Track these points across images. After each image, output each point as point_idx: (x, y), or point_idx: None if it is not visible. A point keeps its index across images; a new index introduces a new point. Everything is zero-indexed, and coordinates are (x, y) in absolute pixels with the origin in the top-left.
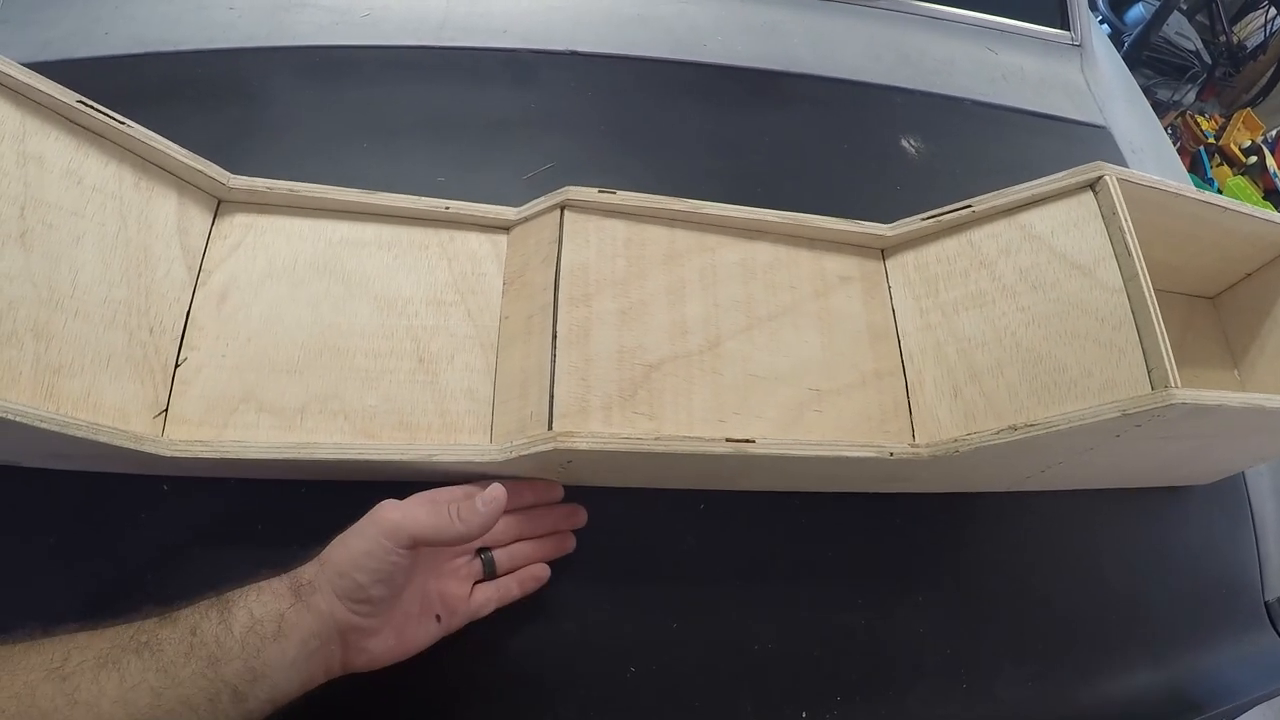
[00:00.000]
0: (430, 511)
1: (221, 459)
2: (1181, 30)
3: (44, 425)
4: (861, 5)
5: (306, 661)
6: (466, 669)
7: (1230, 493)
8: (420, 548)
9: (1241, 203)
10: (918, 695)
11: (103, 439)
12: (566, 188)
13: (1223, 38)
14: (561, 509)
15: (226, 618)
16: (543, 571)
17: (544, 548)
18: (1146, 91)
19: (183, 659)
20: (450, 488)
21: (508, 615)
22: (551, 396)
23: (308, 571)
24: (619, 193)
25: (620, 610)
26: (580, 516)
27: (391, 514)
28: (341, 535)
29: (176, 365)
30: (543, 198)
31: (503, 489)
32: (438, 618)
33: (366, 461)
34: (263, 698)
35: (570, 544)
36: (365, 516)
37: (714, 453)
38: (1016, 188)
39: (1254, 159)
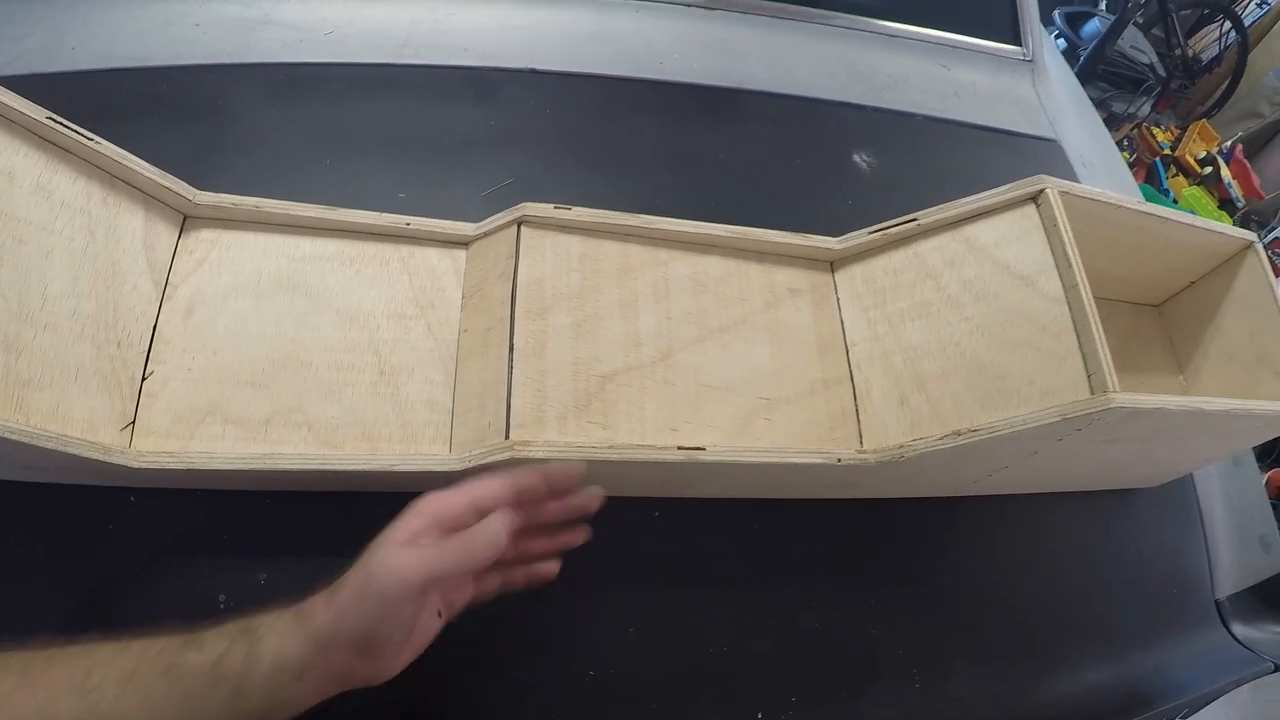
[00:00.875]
0: (439, 554)
1: (188, 470)
2: (1136, 44)
3: (13, 437)
4: (816, 23)
5: (324, 690)
6: (426, 675)
7: (1180, 494)
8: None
9: (1182, 213)
10: (873, 695)
11: (71, 450)
12: (523, 204)
13: (1178, 51)
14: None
15: (252, 654)
16: (551, 568)
17: (554, 540)
18: (1102, 104)
19: (207, 688)
20: (450, 498)
21: (466, 621)
22: (509, 407)
23: (324, 627)
24: (574, 209)
25: (578, 615)
26: (593, 502)
27: (402, 567)
28: (350, 590)
29: (143, 378)
30: (500, 214)
31: (506, 521)
32: (439, 613)
33: (330, 471)
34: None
35: (581, 536)
36: (371, 567)
37: (666, 460)
38: (961, 201)
39: (1209, 169)
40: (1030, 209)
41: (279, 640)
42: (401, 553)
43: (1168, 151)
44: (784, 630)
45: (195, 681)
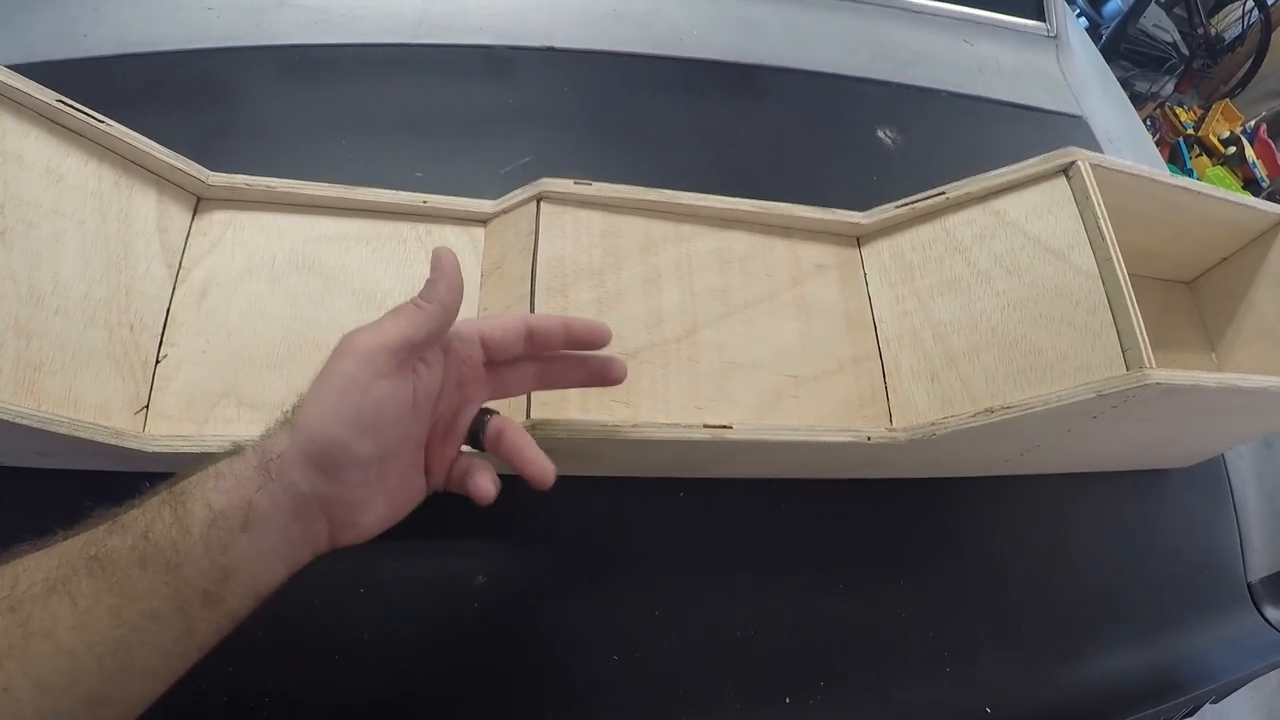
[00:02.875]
0: (393, 315)
1: (203, 453)
2: (1159, 22)
3: (24, 422)
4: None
5: (288, 548)
6: (450, 658)
7: (1211, 475)
8: (407, 373)
9: (1215, 187)
10: (901, 680)
11: (83, 435)
12: (542, 180)
13: (1201, 30)
14: (597, 360)
15: (181, 516)
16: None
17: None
18: (1125, 83)
19: (137, 570)
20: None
21: (491, 603)
22: None
23: (278, 442)
24: (594, 184)
25: (602, 599)
26: (619, 370)
27: (360, 338)
28: (311, 385)
29: (157, 361)
30: (519, 190)
31: (447, 250)
32: (425, 471)
33: None
34: (241, 594)
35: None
36: (332, 354)
37: (691, 439)
38: (990, 174)
39: (1233, 149)
40: (1061, 182)
41: (214, 485)
42: (359, 330)
43: (1191, 131)
44: (812, 613)
45: (124, 565)
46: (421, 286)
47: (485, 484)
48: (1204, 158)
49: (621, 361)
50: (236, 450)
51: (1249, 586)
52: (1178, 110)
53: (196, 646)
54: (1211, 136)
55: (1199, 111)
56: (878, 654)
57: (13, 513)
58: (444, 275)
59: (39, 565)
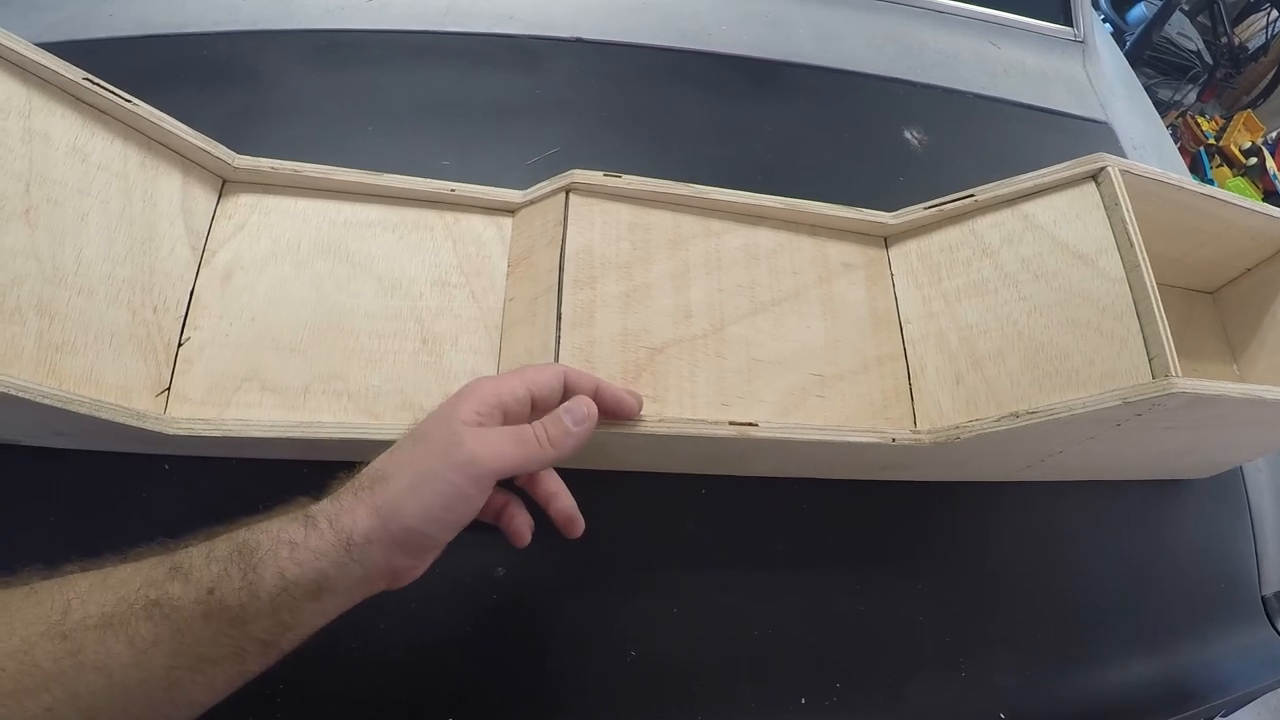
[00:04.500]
0: (517, 443)
1: (224, 437)
2: (1183, 30)
3: (46, 401)
4: None
5: (350, 604)
6: (466, 649)
7: (1229, 487)
8: None
9: (1242, 197)
10: (916, 683)
11: (104, 416)
12: (572, 171)
13: (1224, 39)
14: (563, 513)
15: (251, 580)
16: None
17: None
18: (1147, 91)
19: (200, 622)
20: (507, 382)
21: (508, 595)
22: None
23: (360, 525)
24: (624, 176)
25: (621, 594)
26: (577, 529)
27: (478, 452)
28: (406, 474)
29: (180, 344)
30: (548, 181)
31: (593, 404)
32: None
33: (370, 441)
34: (297, 639)
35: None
36: (438, 443)
37: (717, 435)
38: (1019, 178)
39: (1254, 160)
40: (1090, 187)
41: (288, 556)
42: (485, 436)
43: (1212, 141)
44: (829, 614)
45: (185, 618)
46: (447, 273)
47: (523, 530)
48: (1225, 168)
49: (581, 523)
50: (306, 516)
51: (1263, 600)
52: (1199, 119)
53: (244, 677)
54: (1233, 147)
55: (1220, 121)
56: (893, 656)
57: (36, 493)
58: (579, 436)
59: (93, 598)
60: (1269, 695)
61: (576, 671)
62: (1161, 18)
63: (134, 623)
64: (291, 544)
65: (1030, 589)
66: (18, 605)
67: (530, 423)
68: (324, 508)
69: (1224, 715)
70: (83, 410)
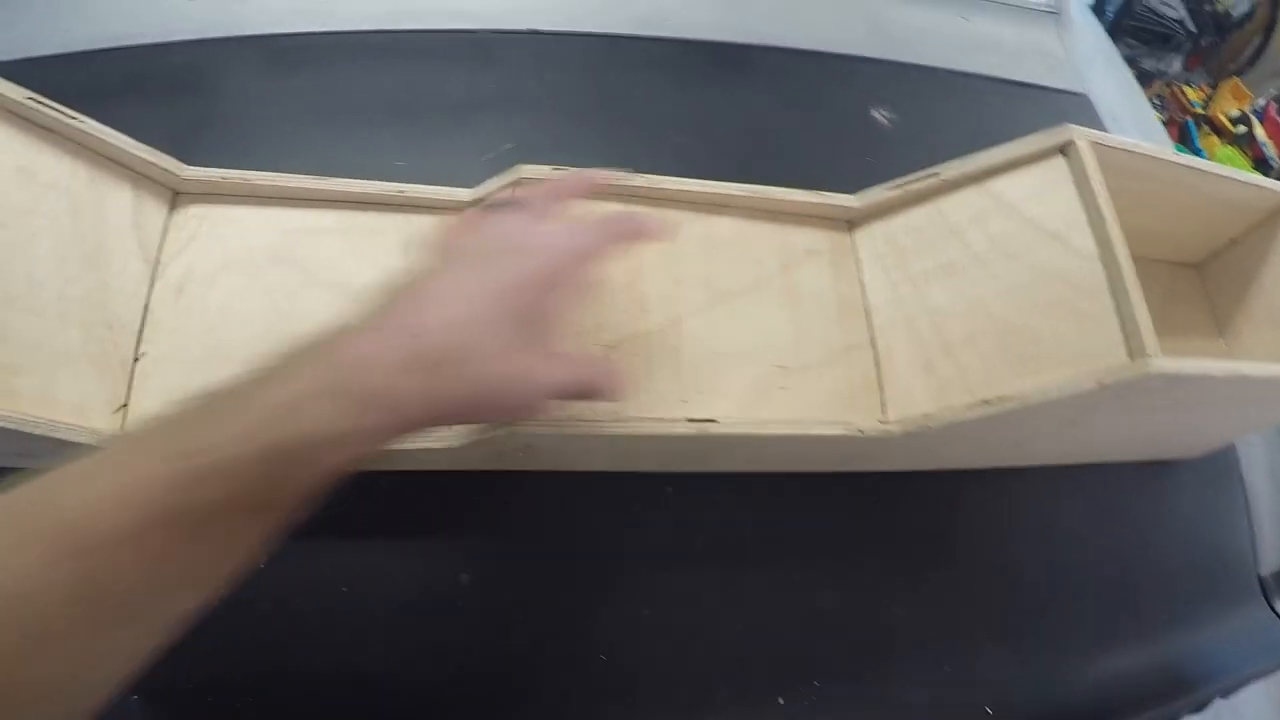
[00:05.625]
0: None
1: None
2: None
3: (1, 424)
4: None
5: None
6: (432, 657)
7: (1221, 465)
8: None
9: (1223, 166)
10: (899, 680)
11: (60, 435)
12: (518, 166)
13: (1208, 6)
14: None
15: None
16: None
17: None
18: (1131, 62)
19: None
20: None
21: (474, 602)
22: None
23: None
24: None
25: (589, 598)
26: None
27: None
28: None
29: (135, 360)
30: (495, 178)
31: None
32: None
33: None
34: None
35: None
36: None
37: (676, 433)
38: (985, 153)
39: (1242, 129)
40: (1059, 161)
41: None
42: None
43: (1200, 110)
44: (805, 612)
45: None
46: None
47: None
48: (1213, 137)
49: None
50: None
51: (1260, 580)
52: (1185, 89)
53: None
54: (1220, 115)
55: (1207, 90)
56: (873, 652)
57: None
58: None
59: None
60: (1277, 677)
61: (546, 678)
62: None
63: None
64: (332, 438)
65: (1015, 578)
66: None
67: None
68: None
69: (1222, 697)
70: (38, 431)
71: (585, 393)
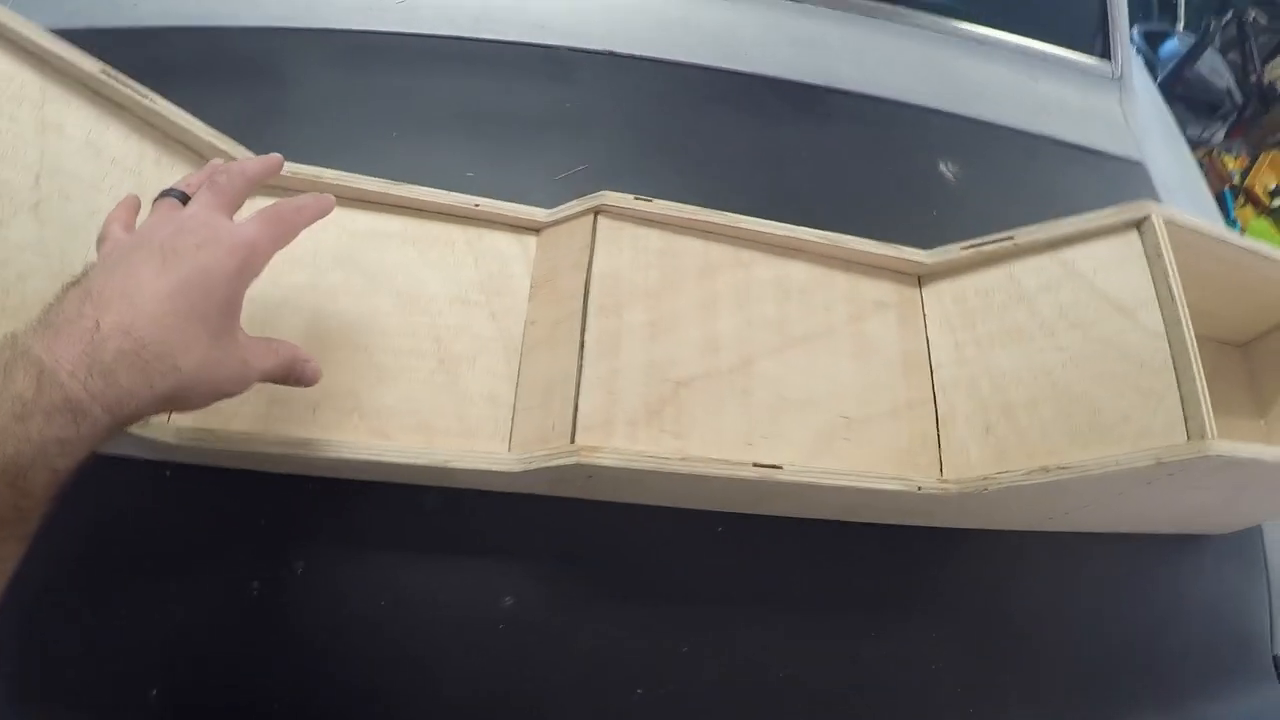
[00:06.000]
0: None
1: (228, 451)
2: (1215, 67)
3: None
4: (903, 24)
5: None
6: (470, 677)
7: (1247, 544)
8: None
9: None
10: None
11: None
12: (602, 192)
13: (1253, 77)
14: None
15: (22, 491)
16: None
17: None
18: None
19: None
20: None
21: (515, 625)
22: (576, 408)
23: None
24: (655, 201)
25: (631, 630)
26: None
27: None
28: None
29: None
30: (576, 201)
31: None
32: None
33: (379, 463)
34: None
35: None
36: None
37: (740, 477)
38: (1060, 222)
39: (1278, 202)
40: (1133, 236)
41: (57, 460)
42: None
43: (1237, 181)
44: (841, 659)
45: None
46: (468, 291)
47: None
48: (1249, 208)
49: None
50: (73, 408)
51: (1275, 659)
52: (1225, 158)
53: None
54: (1258, 187)
55: (1246, 160)
56: (906, 703)
57: None
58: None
59: None
60: None
61: (581, 706)
62: (1194, 54)
63: None
64: (61, 442)
65: (1045, 639)
66: None
67: None
68: (97, 391)
69: None
70: None
71: (286, 378)
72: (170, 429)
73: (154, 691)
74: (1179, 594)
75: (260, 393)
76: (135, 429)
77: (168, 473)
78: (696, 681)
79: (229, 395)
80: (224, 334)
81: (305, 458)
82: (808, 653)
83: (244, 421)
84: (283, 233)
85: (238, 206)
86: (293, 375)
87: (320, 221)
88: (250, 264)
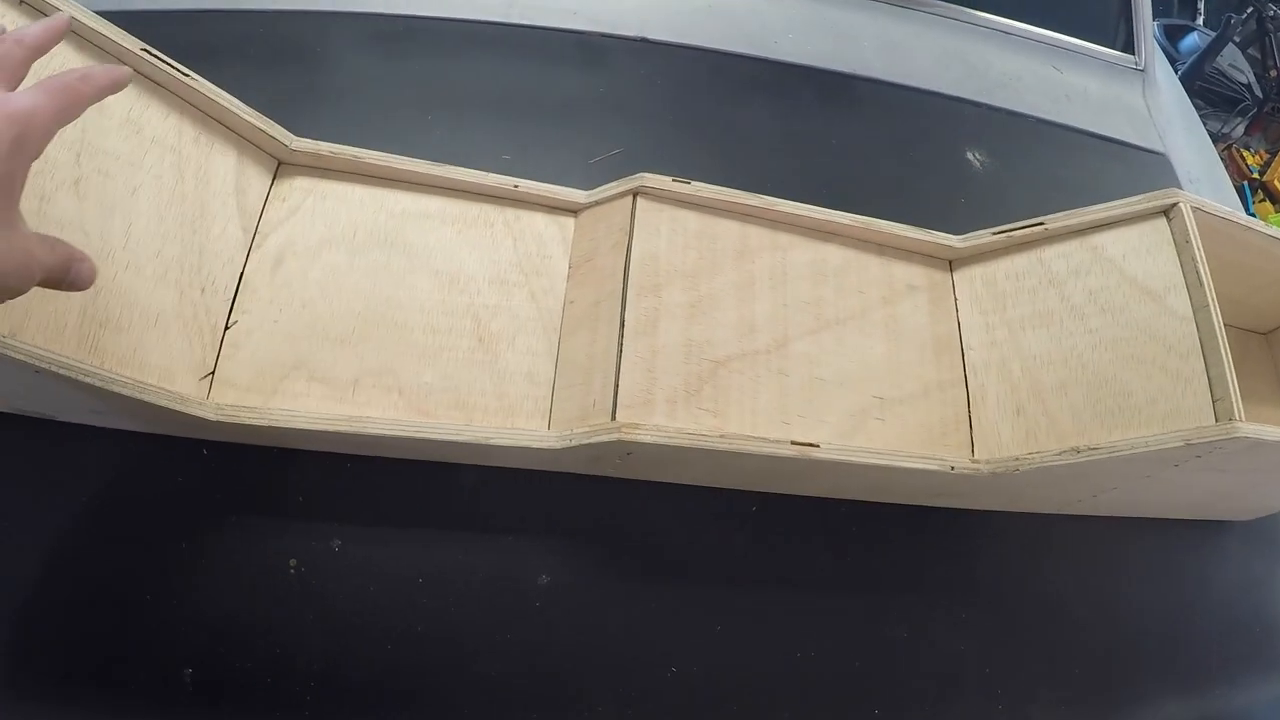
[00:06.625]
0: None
1: (268, 427)
2: (1235, 62)
3: (87, 380)
4: (931, 14)
5: None
6: (504, 654)
7: (1268, 531)
8: None
9: None
10: (955, 714)
11: (147, 398)
12: (641, 174)
13: (1273, 72)
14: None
15: None
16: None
17: None
18: None
19: None
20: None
21: (550, 603)
22: (616, 386)
23: None
24: (693, 183)
25: (665, 609)
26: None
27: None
28: None
29: (226, 327)
30: (615, 183)
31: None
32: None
33: (420, 440)
34: None
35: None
36: None
37: (778, 454)
38: (1090, 208)
39: None
40: (1161, 222)
41: None
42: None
43: (1256, 175)
44: (873, 639)
45: None
46: (506, 271)
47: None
48: (1267, 203)
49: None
50: None
51: None
52: (1245, 153)
53: None
54: (1277, 183)
55: (1266, 155)
56: (934, 685)
57: (70, 471)
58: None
59: None
60: None
61: (614, 683)
62: (1215, 49)
63: None
64: None
65: (1070, 624)
66: None
67: None
68: None
69: None
70: (125, 392)
71: (63, 278)
72: (210, 405)
73: (189, 670)
74: (1201, 581)
75: (299, 369)
76: (174, 404)
77: (205, 451)
78: (728, 661)
79: (13, 292)
80: (3, 221)
81: (345, 435)
82: (837, 634)
83: (283, 398)
84: (67, 104)
85: (20, 79)
86: (69, 275)
87: (360, 201)
88: (27, 138)
